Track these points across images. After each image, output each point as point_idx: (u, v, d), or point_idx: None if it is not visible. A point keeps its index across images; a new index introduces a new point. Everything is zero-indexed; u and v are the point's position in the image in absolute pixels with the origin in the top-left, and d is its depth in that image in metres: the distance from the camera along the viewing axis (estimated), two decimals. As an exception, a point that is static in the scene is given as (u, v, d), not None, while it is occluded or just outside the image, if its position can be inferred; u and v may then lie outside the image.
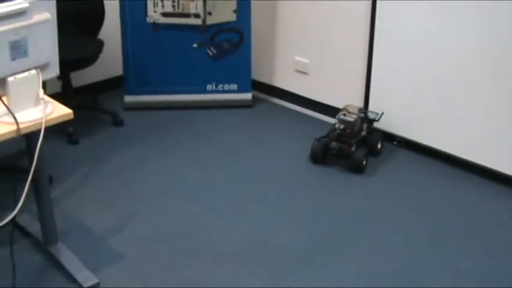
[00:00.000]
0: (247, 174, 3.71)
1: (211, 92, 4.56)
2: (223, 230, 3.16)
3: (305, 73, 4.54)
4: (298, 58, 4.54)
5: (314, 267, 2.89)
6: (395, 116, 4.00)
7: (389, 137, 4.08)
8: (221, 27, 4.36)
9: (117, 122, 4.24)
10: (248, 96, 4.63)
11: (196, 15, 4.27)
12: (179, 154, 3.90)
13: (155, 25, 4.26)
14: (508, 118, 3.52)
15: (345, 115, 3.81)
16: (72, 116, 2.53)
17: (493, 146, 3.62)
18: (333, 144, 3.78)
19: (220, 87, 4.56)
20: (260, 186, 3.58)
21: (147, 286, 2.72)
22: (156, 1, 4.19)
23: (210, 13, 4.27)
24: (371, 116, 3.91)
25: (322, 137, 3.87)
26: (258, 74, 4.76)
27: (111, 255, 2.92)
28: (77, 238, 3.03)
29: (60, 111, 2.54)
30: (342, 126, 3.75)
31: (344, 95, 4.27)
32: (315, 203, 3.44)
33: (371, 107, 4.07)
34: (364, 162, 3.75)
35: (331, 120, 4.20)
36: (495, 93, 3.53)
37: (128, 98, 4.45)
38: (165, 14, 4.23)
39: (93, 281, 2.70)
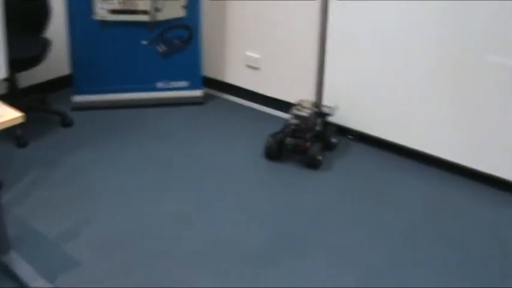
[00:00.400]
0: (203, 172, 3.66)
1: (162, 89, 4.48)
2: (181, 230, 3.10)
3: (256, 68, 4.52)
4: (249, 53, 4.51)
5: (277, 264, 2.86)
6: (349, 110, 4.01)
7: (343, 131, 4.09)
8: (170, 24, 4.29)
9: (67, 123, 4.13)
10: (199, 93, 4.58)
11: (145, 12, 4.18)
12: (132, 154, 3.82)
13: (103, 22, 4.15)
14: (460, 108, 3.57)
15: (299, 110, 3.79)
16: (23, 120, 2.43)
17: (446, 136, 3.67)
18: (288, 139, 3.76)
19: (170, 84, 4.49)
20: (217, 184, 3.54)
21: (104, 291, 2.65)
22: (103, -3, 4.10)
23: (159, 9, 4.19)
24: (325, 110, 3.91)
25: (277, 133, 3.84)
26: (209, 70, 4.71)
27: (67, 261, 2.82)
28: (30, 245, 2.92)
29: (9, 114, 2.43)
30: (296, 121, 3.73)
31: (297, 90, 4.26)
32: (274, 199, 3.41)
33: (324, 102, 4.07)
34: (320, 157, 3.75)
35: (284, 116, 4.20)
36: (446, 84, 3.58)
37: (77, 98, 4.34)
38: (112, 11, 4.13)
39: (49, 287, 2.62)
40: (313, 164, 3.74)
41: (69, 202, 3.30)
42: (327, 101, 4.07)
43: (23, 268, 2.71)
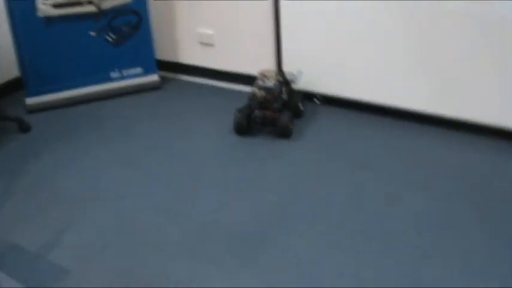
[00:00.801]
0: (175, 158, 3.56)
1: (116, 79, 4.35)
2: (166, 222, 3.02)
3: (211, 45, 4.41)
4: (201, 30, 4.40)
5: (271, 241, 2.81)
6: (311, 74, 3.96)
7: (308, 96, 4.05)
8: (117, 11, 4.14)
9: (24, 128, 3.95)
10: (155, 77, 4.46)
11: (90, 2, 4.01)
12: (99, 152, 3.69)
13: (47, 18, 3.96)
14: (421, 57, 3.56)
15: (263, 81, 3.72)
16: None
17: (410, 88, 3.67)
18: (256, 112, 3.69)
19: (124, 73, 4.36)
20: (191, 168, 3.46)
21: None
22: (44, -8, 3.90)
23: (103, -2, 4.04)
24: (289, 77, 3.85)
25: (244, 107, 3.77)
26: (162, 53, 4.58)
27: (55, 271, 2.71)
28: (13, 261, 2.79)
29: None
30: (262, 92, 3.66)
31: (255, 61, 4.18)
32: (252, 174, 3.36)
33: (285, 69, 4.00)
34: (291, 126, 3.70)
35: (246, 89, 4.13)
36: (405, 35, 3.55)
37: (30, 100, 4.16)
38: (56, 5, 3.93)
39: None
40: (285, 134, 3.69)
41: (43, 211, 3.16)
42: (287, 68, 4.00)
43: (11, 286, 2.59)
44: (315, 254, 2.71)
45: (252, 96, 3.71)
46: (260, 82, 3.71)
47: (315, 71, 3.95)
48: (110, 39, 4.19)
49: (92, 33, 4.13)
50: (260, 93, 3.66)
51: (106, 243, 2.88)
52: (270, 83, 3.69)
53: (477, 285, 2.48)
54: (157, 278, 2.63)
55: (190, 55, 4.56)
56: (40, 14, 3.94)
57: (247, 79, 4.19)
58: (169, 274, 2.65)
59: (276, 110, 3.68)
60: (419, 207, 2.99)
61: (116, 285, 2.60)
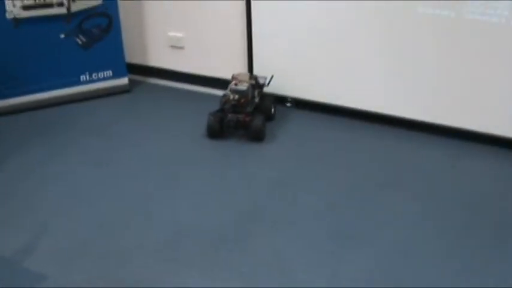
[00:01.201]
0: (147, 162, 3.55)
1: (86, 82, 4.31)
2: (143, 224, 3.01)
3: (181, 48, 4.41)
4: (172, 33, 4.40)
5: (248, 243, 2.84)
6: (282, 78, 3.99)
7: (279, 100, 4.08)
8: (88, 13, 4.09)
9: (-8, 131, 3.89)
10: (124, 80, 4.43)
11: (60, 4, 3.96)
12: (70, 154, 3.65)
13: (16, 20, 3.90)
14: (392, 61, 3.64)
15: (236, 84, 3.74)
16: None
17: (381, 91, 3.75)
18: (230, 115, 3.71)
19: (94, 75, 4.31)
20: (165, 171, 3.45)
21: (82, 301, 2.54)
22: (13, -6, 3.84)
23: (74, 0, 3.99)
24: (261, 81, 3.88)
25: (217, 110, 3.78)
26: (132, 56, 4.55)
27: (33, 277, 2.67)
28: (-13, 268, 2.75)
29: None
30: (236, 96, 3.68)
31: (225, 65, 4.21)
32: (227, 178, 3.38)
33: (256, 73, 4.03)
34: (264, 129, 3.73)
35: (216, 92, 4.15)
36: (377, 38, 3.63)
37: (-2, 103, 4.10)
38: (25, 7, 3.87)
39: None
40: (258, 137, 3.72)
41: (15, 216, 3.10)
42: (258, 72, 4.03)
43: (-13, 292, 2.56)
44: (293, 254, 2.75)
45: (225, 100, 3.72)
46: (233, 85, 3.73)
47: (285, 75, 3.99)
48: (80, 42, 4.15)
49: (62, 36, 4.08)
50: (233, 97, 3.67)
51: (83, 246, 2.86)
52: (243, 86, 3.72)
53: (456, 282, 2.55)
54: (136, 279, 2.63)
55: (161, 58, 4.55)
56: (9, 15, 3.88)
57: (218, 82, 4.21)
58: (149, 276, 2.65)
59: (249, 113, 3.71)
60: (394, 206, 3.07)
61: (96, 289, 2.59)
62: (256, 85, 3.84)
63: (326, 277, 2.61)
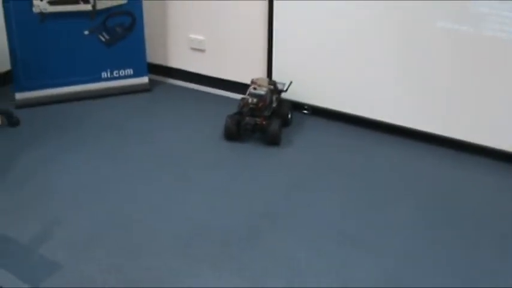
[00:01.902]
0: (164, 160, 3.60)
1: (107, 79, 4.37)
2: (156, 220, 3.05)
3: (202, 50, 4.46)
4: (193, 36, 4.45)
5: (260, 245, 2.87)
6: (301, 84, 4.03)
7: (296, 106, 4.12)
8: (112, 11, 4.17)
9: (13, 122, 3.95)
10: (145, 80, 4.49)
11: (86, 1, 4.04)
12: (88, 148, 3.70)
13: (42, 15, 3.98)
14: (409, 74, 3.67)
15: (255, 89, 3.78)
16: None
17: (398, 103, 3.78)
18: (247, 119, 3.75)
19: (115, 73, 4.38)
20: (181, 170, 3.49)
21: (93, 291, 2.58)
22: (41, -11, 3.91)
23: (100, -3, 4.07)
24: (279, 86, 3.92)
25: (235, 113, 3.83)
26: (153, 56, 4.61)
27: (47, 265, 2.72)
28: (4, 254, 2.78)
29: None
30: (254, 100, 3.72)
31: (244, 69, 4.26)
32: (242, 180, 3.41)
33: (275, 79, 4.07)
34: (280, 133, 3.76)
35: (234, 96, 4.19)
36: (396, 51, 3.66)
37: (20, 95, 4.15)
38: (52, 2, 3.95)
39: (35, 294, 2.52)
40: (274, 141, 3.75)
41: (31, 205, 3.16)
42: (276, 78, 4.07)
43: (4, 278, 2.59)
44: (303, 257, 2.78)
45: (244, 103, 3.77)
46: (252, 89, 3.78)
47: (304, 81, 4.03)
48: (103, 39, 4.22)
49: (86, 32, 4.15)
50: (252, 100, 3.72)
51: (96, 237, 2.91)
52: (262, 90, 3.76)
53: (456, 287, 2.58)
54: (147, 275, 2.66)
55: (181, 60, 4.60)
56: (35, 10, 3.95)
57: (237, 86, 4.26)
58: (160, 271, 2.68)
59: (266, 117, 3.75)
60: (403, 214, 3.09)
61: (108, 279, 2.62)
62: (275, 90, 3.88)
63: (334, 281, 2.63)
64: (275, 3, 3.93)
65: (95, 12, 4.10)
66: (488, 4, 3.27)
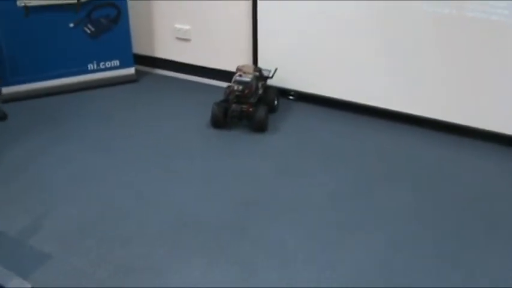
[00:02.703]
0: (153, 149, 3.62)
1: (93, 71, 4.39)
2: (145, 210, 3.07)
3: (187, 40, 4.48)
4: (178, 25, 4.46)
5: (250, 232, 2.89)
6: (286, 71, 4.05)
7: (282, 92, 4.15)
8: (97, 3, 4.18)
9: (0, 117, 3.95)
10: (131, 70, 4.51)
11: (70, -7, 4.05)
12: (77, 140, 3.72)
13: (27, 8, 3.98)
14: (393, 56, 3.69)
15: (240, 76, 3.81)
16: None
17: (382, 86, 3.81)
18: (234, 106, 3.77)
19: (102, 65, 4.39)
20: (168, 159, 3.52)
21: (82, 281, 2.60)
22: (24, -18, 3.92)
23: (83, -11, 4.08)
24: (265, 73, 3.94)
25: (221, 101, 3.85)
26: (139, 46, 4.63)
27: (37, 256, 2.75)
28: (-7, 245, 2.82)
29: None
30: (240, 87, 3.74)
31: (230, 57, 4.28)
32: (229, 167, 3.43)
33: (261, 66, 4.09)
34: (267, 120, 3.79)
35: (221, 84, 4.21)
36: (379, 34, 3.68)
37: (6, 90, 4.16)
38: (36, -5, 3.97)
39: (26, 286, 2.54)
40: (261, 128, 3.78)
41: (21, 197, 3.18)
42: (262, 65, 4.09)
43: (-8, 269, 2.62)
44: (294, 243, 2.80)
45: (230, 90, 3.79)
46: (238, 76, 3.80)
47: (290, 68, 4.05)
48: (89, 31, 4.23)
49: (71, 25, 4.16)
50: (238, 87, 3.74)
51: (87, 228, 2.93)
52: (248, 77, 3.78)
53: (447, 273, 2.60)
54: (136, 263, 2.69)
55: (167, 49, 4.62)
56: (19, 3, 3.95)
57: (223, 75, 4.28)
58: (150, 260, 2.71)
59: (253, 104, 3.77)
60: (393, 199, 3.12)
61: (98, 270, 2.65)
62: (260, 77, 3.90)
63: (325, 266, 2.65)
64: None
65: (79, 5, 4.11)
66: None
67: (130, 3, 4.31)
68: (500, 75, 3.43)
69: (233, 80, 3.79)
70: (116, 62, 4.42)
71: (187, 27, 4.43)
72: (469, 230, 2.89)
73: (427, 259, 2.69)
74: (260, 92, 3.90)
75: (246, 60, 4.19)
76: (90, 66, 4.35)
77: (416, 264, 2.66)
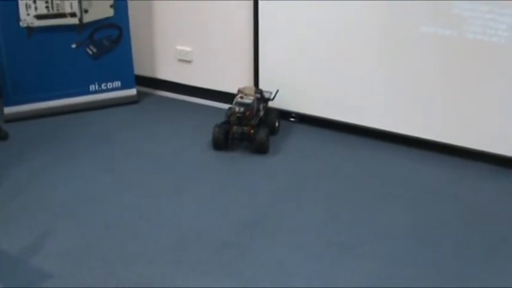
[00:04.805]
0: (153, 170, 3.63)
1: (95, 92, 4.40)
2: (148, 229, 3.08)
3: (188, 61, 4.51)
4: (180, 47, 4.49)
5: (251, 252, 2.90)
6: (287, 93, 4.08)
7: (283, 114, 4.17)
8: (99, 24, 4.21)
9: (2, 136, 3.96)
10: (133, 92, 4.52)
11: (73, 15, 4.07)
12: (78, 160, 3.73)
13: (30, 29, 4.01)
14: (394, 79, 3.72)
15: (242, 98, 3.83)
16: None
17: (383, 110, 3.83)
18: (235, 128, 3.79)
19: (103, 86, 4.41)
20: (170, 180, 3.53)
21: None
22: (28, 3, 3.93)
23: (86, 11, 4.10)
24: (266, 95, 3.97)
25: (223, 123, 3.86)
26: (140, 68, 4.64)
27: (38, 276, 2.74)
28: (-5, 264, 2.82)
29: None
30: (241, 109, 3.76)
31: (231, 79, 4.30)
32: (230, 188, 3.44)
33: (262, 88, 4.11)
34: (268, 141, 3.80)
35: (221, 106, 4.23)
36: (380, 57, 3.71)
37: (8, 110, 4.17)
38: (39, 16, 3.99)
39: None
40: (262, 149, 3.79)
41: (23, 216, 3.18)
42: (263, 87, 4.11)
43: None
44: (293, 262, 2.81)
45: (231, 112, 3.80)
46: (239, 98, 3.82)
47: (290, 90, 4.08)
48: (91, 52, 4.25)
49: (73, 46, 4.19)
50: (239, 109, 3.75)
51: (88, 247, 2.93)
52: (249, 99, 3.80)
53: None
54: (140, 281, 2.69)
55: (168, 71, 4.64)
56: (23, 24, 3.99)
57: (224, 96, 4.30)
58: (153, 279, 2.71)
59: (254, 126, 3.79)
60: (392, 219, 3.13)
61: (100, 289, 2.65)
62: (262, 99, 3.93)
63: (323, 284, 2.66)
64: (260, 13, 3.97)
65: (82, 26, 4.14)
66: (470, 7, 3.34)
67: (132, 25, 4.33)
68: (499, 97, 3.46)
69: (234, 101, 3.81)
70: (118, 83, 4.44)
71: (188, 49, 4.46)
72: (468, 250, 2.91)
73: (426, 278, 2.70)
74: (261, 113, 3.92)
75: (247, 82, 4.21)
76: (91, 87, 4.36)
77: (417, 283, 2.66)
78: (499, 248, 2.92)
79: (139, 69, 4.63)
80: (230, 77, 4.33)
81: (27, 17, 3.97)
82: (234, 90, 3.95)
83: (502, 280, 2.70)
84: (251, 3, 4.00)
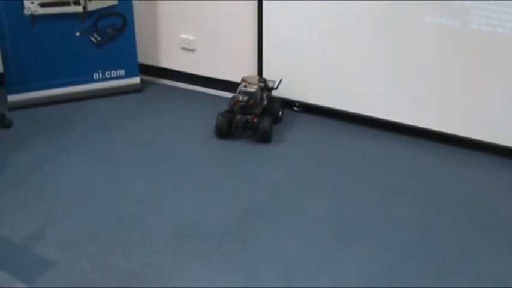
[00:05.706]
0: (156, 159, 3.63)
1: (99, 80, 4.40)
2: (148, 218, 3.08)
3: (192, 50, 4.50)
4: (183, 36, 4.48)
5: (253, 241, 2.90)
6: (291, 82, 4.07)
7: (286, 103, 4.16)
8: (103, 12, 4.20)
9: (6, 124, 3.97)
10: (136, 80, 4.52)
11: (77, 3, 4.06)
12: (81, 149, 3.73)
13: (33, 17, 4.01)
14: (398, 69, 3.71)
15: (245, 86, 3.82)
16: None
17: (386, 99, 3.81)
18: (238, 116, 3.78)
19: (107, 74, 4.41)
20: (173, 168, 3.53)
21: (86, 287, 2.61)
22: (32, -9, 3.94)
23: (90, -2, 4.11)
24: (270, 84, 3.96)
25: (226, 111, 3.86)
26: (144, 56, 4.64)
27: (40, 263, 2.75)
28: (-2, 252, 2.83)
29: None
30: (245, 97, 3.75)
31: (235, 68, 4.29)
32: (233, 176, 3.44)
33: (265, 77, 4.10)
34: (271, 130, 3.80)
35: (224, 94, 4.23)
36: (384, 47, 3.70)
37: (12, 97, 4.18)
38: (43, 4, 3.98)
39: (30, 292, 2.55)
40: (265, 138, 3.79)
41: (25, 204, 3.19)
42: (267, 76, 4.10)
43: (-2, 275, 2.63)
44: (295, 252, 2.81)
45: (234, 101, 3.80)
46: (243, 87, 3.81)
47: (295, 79, 4.07)
48: (95, 41, 4.25)
49: (77, 34, 4.18)
50: (242, 98, 3.75)
51: (90, 235, 2.94)
52: (253, 88, 3.80)
53: (450, 282, 2.61)
54: (141, 271, 2.70)
55: (172, 60, 4.64)
56: (26, 12, 3.98)
57: (228, 85, 4.29)
58: (154, 268, 2.72)
59: (257, 115, 3.78)
60: (394, 209, 3.13)
61: (101, 277, 2.66)
62: (265, 88, 3.92)
63: (326, 275, 2.67)
64: (264, 2, 3.96)
65: (85, 14, 4.14)
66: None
67: (136, 13, 4.32)
68: (503, 87, 3.44)
69: (238, 90, 3.81)
70: (121, 72, 4.44)
71: (192, 37, 4.45)
72: (471, 240, 2.91)
73: (430, 268, 2.70)
74: (265, 102, 3.91)
75: (251, 71, 4.21)
76: (95, 76, 4.36)
77: (420, 274, 2.66)
78: (501, 238, 2.92)
79: (143, 58, 4.63)
80: (234, 65, 4.32)
81: (31, 5, 3.97)
82: (238, 79, 3.94)
83: (504, 270, 2.69)
84: (255, -9, 3.99)
